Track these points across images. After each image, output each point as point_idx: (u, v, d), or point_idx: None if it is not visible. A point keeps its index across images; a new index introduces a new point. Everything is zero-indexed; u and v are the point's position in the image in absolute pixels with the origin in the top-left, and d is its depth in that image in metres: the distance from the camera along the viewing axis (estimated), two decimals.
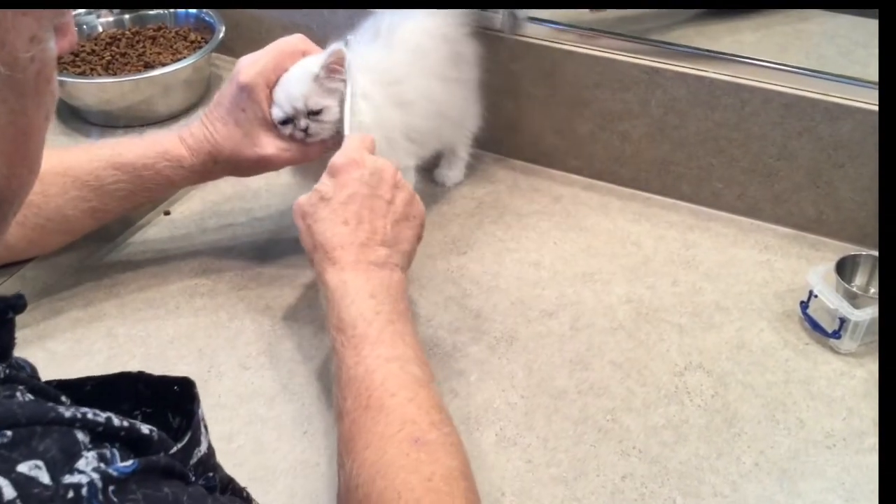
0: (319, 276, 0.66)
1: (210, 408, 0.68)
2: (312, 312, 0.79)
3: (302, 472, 0.65)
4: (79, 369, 0.72)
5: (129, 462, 0.36)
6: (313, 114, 0.74)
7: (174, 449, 0.41)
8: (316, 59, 0.75)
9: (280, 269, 0.84)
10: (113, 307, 0.79)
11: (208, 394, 0.70)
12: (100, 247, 0.85)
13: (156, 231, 0.88)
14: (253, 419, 0.69)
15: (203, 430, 0.46)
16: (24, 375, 0.39)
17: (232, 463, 0.64)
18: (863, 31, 0.98)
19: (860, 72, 0.82)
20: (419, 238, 0.71)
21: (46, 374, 0.71)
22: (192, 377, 0.71)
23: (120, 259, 0.85)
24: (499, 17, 0.86)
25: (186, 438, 0.43)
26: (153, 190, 0.77)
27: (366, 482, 0.53)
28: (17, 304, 0.44)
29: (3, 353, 0.43)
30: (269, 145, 0.75)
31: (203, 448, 0.45)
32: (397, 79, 0.81)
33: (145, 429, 0.39)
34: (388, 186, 0.68)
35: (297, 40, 0.77)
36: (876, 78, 0.80)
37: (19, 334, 0.77)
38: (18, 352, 0.64)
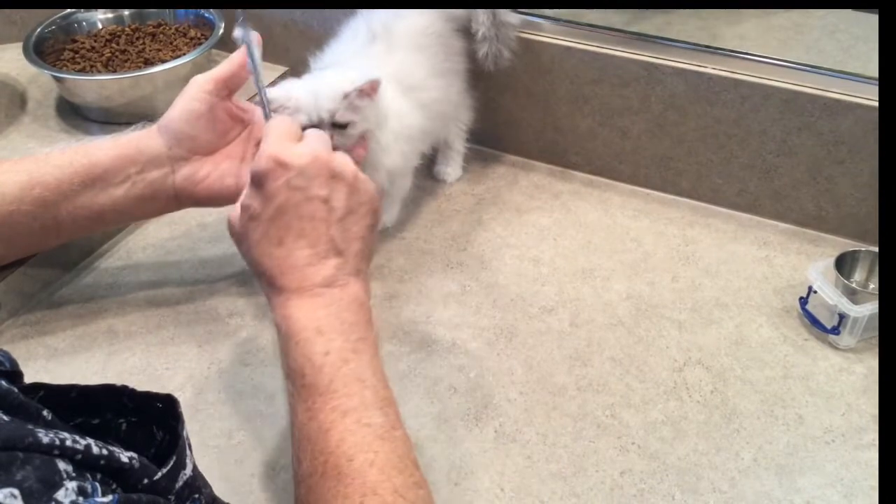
0: (270, 308, 0.60)
1: (210, 404, 0.70)
2: None
3: None
4: (79, 365, 0.73)
5: (109, 498, 0.36)
6: (339, 126, 0.74)
7: (158, 475, 0.41)
8: (345, 76, 0.73)
9: None
10: (113, 304, 0.79)
11: (209, 390, 0.71)
12: (100, 243, 0.86)
13: (155, 228, 0.89)
14: (253, 415, 0.69)
15: (188, 451, 0.45)
16: (4, 390, 0.38)
17: (232, 459, 0.65)
18: (863, 26, 0.98)
19: (861, 67, 0.82)
20: (373, 226, 0.61)
21: (47, 369, 0.72)
22: (193, 373, 0.72)
23: (120, 256, 0.85)
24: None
25: (171, 463, 0.42)
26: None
27: None
28: None
29: None
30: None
31: (188, 471, 0.44)
32: (416, 84, 0.81)
33: (125, 457, 0.39)
34: (323, 181, 0.58)
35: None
36: (876, 74, 0.79)
37: (19, 331, 0.78)
38: (20, 349, 0.64)
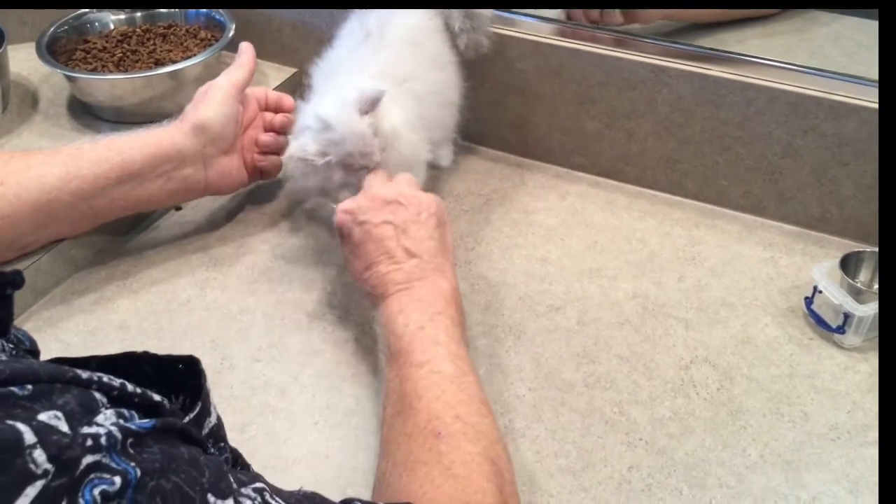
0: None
1: (223, 399, 0.70)
2: (322, 307, 0.80)
3: (313, 463, 0.66)
4: None
5: (148, 420, 0.37)
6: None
7: (186, 419, 0.42)
8: (350, 115, 0.74)
9: (290, 264, 0.85)
10: (126, 300, 0.80)
11: (221, 385, 0.71)
12: (112, 240, 0.86)
13: (167, 225, 0.89)
14: (265, 410, 0.70)
15: (211, 402, 0.47)
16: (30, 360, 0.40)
17: (245, 453, 0.65)
18: (866, 33, 0.99)
19: (864, 72, 0.83)
20: (439, 224, 0.71)
21: None
22: (205, 369, 0.72)
23: (132, 253, 0.86)
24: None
25: (198, 408, 0.44)
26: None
27: (394, 479, 0.56)
28: (15, 281, 0.45)
29: (2, 328, 0.44)
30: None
31: (213, 419, 0.46)
32: (404, 76, 0.83)
33: (157, 397, 0.40)
34: (379, 209, 0.70)
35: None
36: None
37: (31, 324, 0.79)
38: None
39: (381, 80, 0.78)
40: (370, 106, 0.75)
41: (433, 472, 0.53)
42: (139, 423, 0.37)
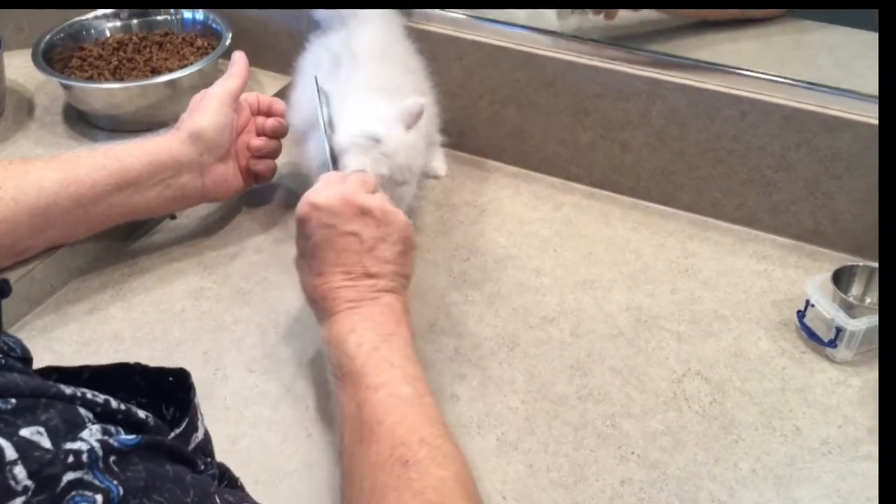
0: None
1: (216, 410, 0.70)
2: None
3: (306, 475, 0.66)
4: None
5: (133, 436, 0.37)
6: None
7: (172, 435, 0.42)
8: (386, 124, 0.74)
9: (285, 274, 0.85)
10: (119, 310, 0.80)
11: (213, 396, 0.71)
12: (108, 247, 0.86)
13: (161, 235, 0.89)
14: (258, 421, 0.70)
15: (199, 416, 0.47)
16: (20, 368, 0.40)
17: (237, 464, 0.65)
18: (861, 44, 0.99)
19: (858, 84, 0.83)
20: (405, 250, 0.68)
21: None
22: (198, 379, 0.71)
23: (127, 261, 0.86)
24: None
25: (185, 424, 0.44)
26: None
27: None
28: (2, 289, 0.45)
29: None
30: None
31: (200, 434, 0.46)
32: (391, 87, 0.83)
33: (141, 414, 0.40)
34: (350, 217, 0.66)
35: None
36: (874, 91, 0.81)
37: (24, 334, 0.79)
38: None
39: (376, 94, 0.79)
40: (414, 120, 0.75)
41: (404, 498, 0.52)
42: (122, 438, 0.37)
